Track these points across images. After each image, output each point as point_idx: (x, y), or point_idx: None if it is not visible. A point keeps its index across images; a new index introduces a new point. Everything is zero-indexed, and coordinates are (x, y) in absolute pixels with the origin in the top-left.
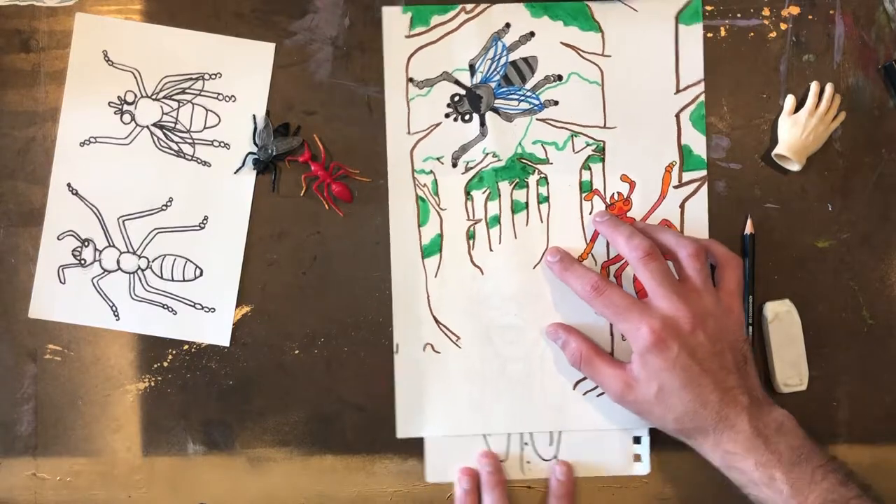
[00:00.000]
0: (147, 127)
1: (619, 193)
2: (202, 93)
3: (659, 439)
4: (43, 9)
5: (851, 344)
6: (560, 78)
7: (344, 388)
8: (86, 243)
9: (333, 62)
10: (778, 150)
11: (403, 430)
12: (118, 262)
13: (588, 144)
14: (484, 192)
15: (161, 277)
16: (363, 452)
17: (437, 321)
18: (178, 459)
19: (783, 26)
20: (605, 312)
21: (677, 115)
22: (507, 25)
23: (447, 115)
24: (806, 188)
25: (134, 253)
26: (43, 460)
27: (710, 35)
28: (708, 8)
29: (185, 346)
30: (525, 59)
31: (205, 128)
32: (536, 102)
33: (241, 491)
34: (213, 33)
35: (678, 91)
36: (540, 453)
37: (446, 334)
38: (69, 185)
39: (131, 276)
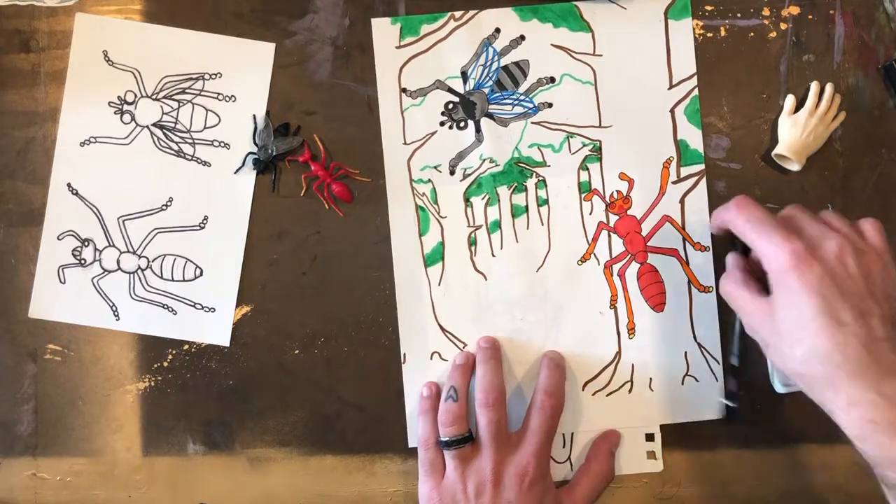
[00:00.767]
0: (147, 127)
1: (618, 192)
2: (202, 93)
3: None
4: (43, 9)
5: None
6: (553, 80)
7: (344, 388)
8: (86, 243)
9: (333, 62)
10: (778, 150)
11: (415, 440)
12: (118, 261)
13: (584, 145)
14: (483, 198)
15: (161, 277)
16: (363, 452)
17: (442, 329)
18: (178, 459)
19: (783, 26)
20: (744, 228)
21: (672, 111)
22: (497, 30)
23: (442, 124)
24: (806, 188)
25: (134, 253)
26: (43, 460)
27: (709, 35)
28: (708, 8)
29: (185, 346)
30: (517, 63)
31: (205, 128)
32: (530, 106)
33: (241, 491)
34: (213, 33)
35: (671, 86)
36: (553, 456)
37: (453, 342)
38: (69, 185)
39: (131, 275)
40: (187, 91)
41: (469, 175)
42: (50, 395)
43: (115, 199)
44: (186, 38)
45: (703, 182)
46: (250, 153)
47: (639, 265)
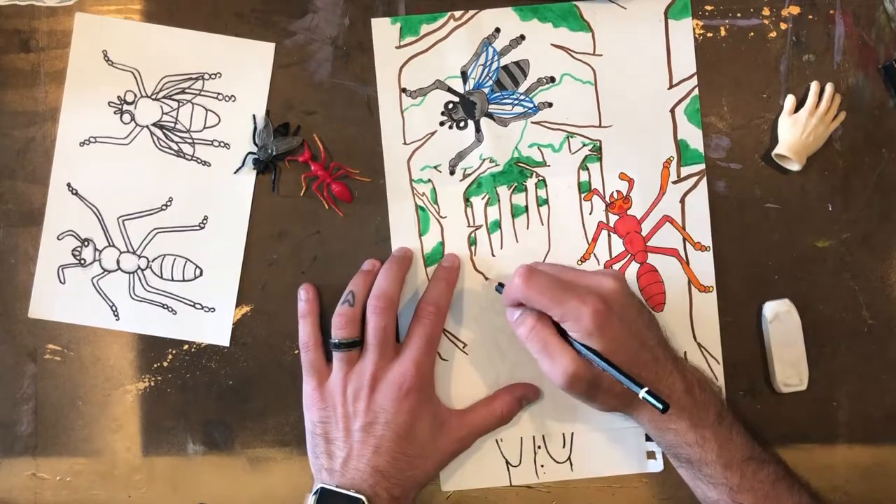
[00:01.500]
0: (147, 127)
1: (618, 192)
2: (202, 93)
3: None
4: (43, 9)
5: (851, 344)
6: (553, 80)
7: None
8: (86, 243)
9: (333, 62)
10: (778, 149)
11: None
12: (118, 261)
13: (584, 145)
14: (483, 198)
15: (161, 277)
16: None
17: (443, 329)
18: (177, 459)
19: (783, 26)
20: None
21: (672, 111)
22: (497, 30)
23: (442, 123)
24: (806, 188)
25: (134, 253)
26: (43, 460)
27: (709, 35)
28: (708, 8)
29: (185, 346)
30: (517, 63)
31: (205, 128)
32: (530, 105)
33: (241, 491)
34: (213, 33)
35: (671, 86)
36: (553, 456)
37: (453, 342)
38: (69, 184)
39: (131, 275)
40: (187, 91)
41: (469, 175)
42: (50, 395)
43: (114, 199)
44: (186, 38)
45: (704, 182)
46: (250, 153)
47: (639, 265)
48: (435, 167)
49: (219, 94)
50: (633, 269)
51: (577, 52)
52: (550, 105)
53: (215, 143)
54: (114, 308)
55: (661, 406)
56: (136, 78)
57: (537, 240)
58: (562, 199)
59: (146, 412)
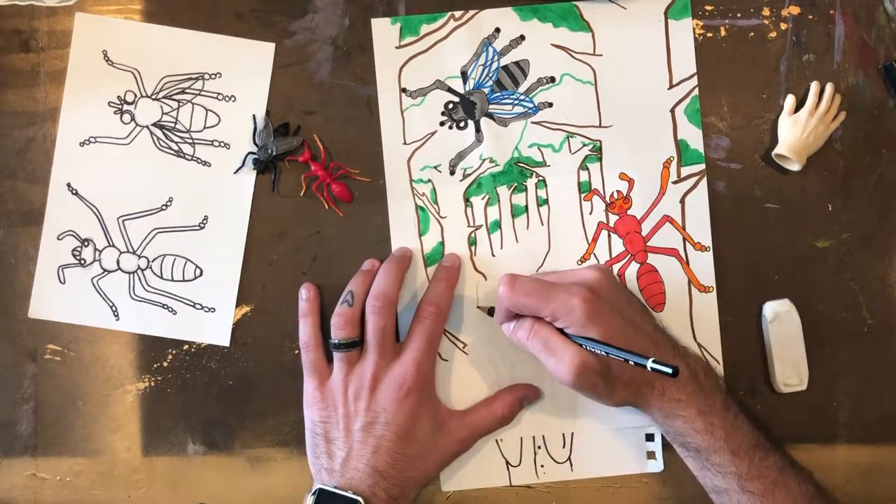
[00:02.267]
0: (147, 127)
1: (618, 192)
2: (202, 93)
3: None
4: (43, 9)
5: (851, 344)
6: (553, 80)
7: None
8: (86, 243)
9: (333, 62)
10: (778, 149)
11: None
12: (118, 261)
13: (584, 145)
14: (483, 198)
15: (161, 277)
16: None
17: (443, 329)
18: (178, 459)
19: (783, 26)
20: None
21: (672, 111)
22: (497, 30)
23: (442, 124)
24: (806, 188)
25: (134, 253)
26: (43, 460)
27: (709, 35)
28: (708, 8)
29: (185, 346)
30: (517, 63)
31: (205, 128)
32: (530, 105)
33: (241, 491)
34: (213, 33)
35: (671, 86)
36: (553, 456)
37: (453, 342)
38: (69, 184)
39: (131, 276)
40: (187, 91)
41: (469, 175)
42: (50, 395)
43: (114, 199)
44: (186, 38)
45: (704, 182)
46: (250, 153)
47: (638, 265)
48: (435, 167)
49: (219, 94)
50: (633, 269)
51: (577, 52)
52: (550, 105)
53: (215, 143)
54: (114, 308)
55: (669, 370)
56: (136, 78)
57: (537, 240)
58: (562, 199)
59: (146, 412)
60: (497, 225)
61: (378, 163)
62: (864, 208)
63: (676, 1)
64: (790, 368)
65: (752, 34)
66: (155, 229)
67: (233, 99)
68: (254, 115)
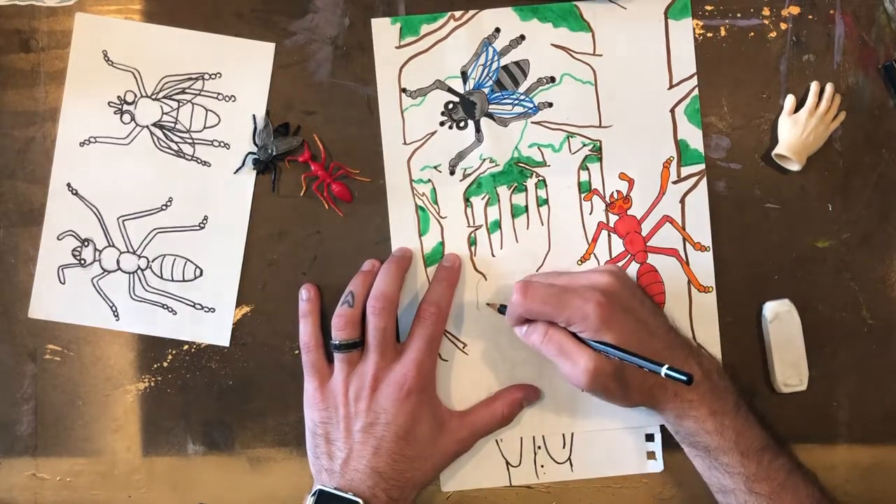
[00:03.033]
0: (147, 127)
1: (618, 192)
2: (202, 93)
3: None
4: (43, 9)
5: (851, 344)
6: (553, 80)
7: None
8: (86, 243)
9: (333, 62)
10: (778, 149)
11: None
12: (118, 262)
13: (584, 145)
14: (483, 198)
15: (161, 277)
16: None
17: (444, 330)
18: (178, 459)
19: (783, 26)
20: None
21: (672, 111)
22: (497, 30)
23: (442, 124)
24: (806, 188)
25: (134, 253)
26: (43, 460)
27: (709, 35)
28: (708, 8)
29: (185, 346)
30: (517, 63)
31: (205, 128)
32: (530, 105)
33: (241, 491)
34: (213, 33)
35: (671, 86)
36: (553, 456)
37: (453, 342)
38: (69, 184)
39: (131, 276)
40: (187, 91)
41: (469, 175)
42: (50, 395)
43: (114, 199)
44: (186, 38)
45: (704, 182)
46: (250, 153)
47: (638, 265)
48: (435, 167)
49: (219, 94)
50: (633, 269)
51: (577, 52)
52: (550, 105)
53: (215, 143)
54: (114, 308)
55: (685, 378)
56: (136, 78)
57: (537, 240)
58: (562, 199)
59: (146, 412)
60: (497, 225)
61: (378, 163)
62: (864, 208)
63: (676, 1)
64: (790, 368)
65: (752, 34)
66: (155, 229)
67: (233, 99)
68: (254, 115)
